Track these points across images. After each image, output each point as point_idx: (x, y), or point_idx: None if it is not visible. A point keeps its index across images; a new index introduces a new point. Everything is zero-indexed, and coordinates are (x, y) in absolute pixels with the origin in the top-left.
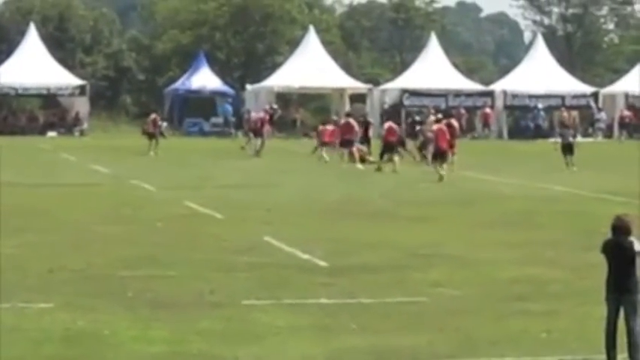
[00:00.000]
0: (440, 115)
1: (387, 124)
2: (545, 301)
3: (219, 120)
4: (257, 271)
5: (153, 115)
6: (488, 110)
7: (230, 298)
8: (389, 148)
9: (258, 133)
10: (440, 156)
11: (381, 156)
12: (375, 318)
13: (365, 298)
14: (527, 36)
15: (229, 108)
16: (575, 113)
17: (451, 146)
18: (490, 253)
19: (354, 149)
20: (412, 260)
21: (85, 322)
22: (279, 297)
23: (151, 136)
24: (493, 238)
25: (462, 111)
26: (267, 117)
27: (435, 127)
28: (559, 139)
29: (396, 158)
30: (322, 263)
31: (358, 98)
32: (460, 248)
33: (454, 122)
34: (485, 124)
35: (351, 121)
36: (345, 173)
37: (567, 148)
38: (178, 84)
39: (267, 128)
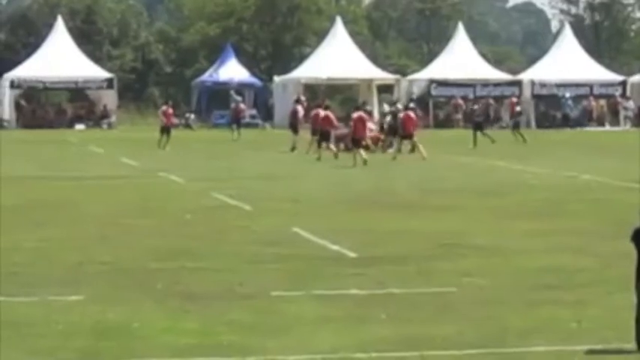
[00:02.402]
0: (397, 107)
1: (355, 114)
2: (575, 290)
3: (250, 112)
4: (286, 262)
5: (164, 107)
6: (514, 100)
7: (259, 289)
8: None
9: (295, 128)
10: (355, 142)
11: (319, 145)
12: (405, 308)
13: (394, 289)
14: (554, 25)
15: (239, 99)
16: (603, 102)
17: (409, 136)
18: (518, 242)
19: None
20: (440, 250)
21: (115, 314)
22: (308, 288)
23: (162, 130)
24: (521, 227)
25: (491, 101)
26: (302, 110)
27: (355, 115)
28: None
29: (362, 150)
30: (351, 254)
31: (386, 89)
32: (488, 238)
33: (411, 114)
34: (512, 113)
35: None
36: (372, 163)
37: None
38: (206, 76)
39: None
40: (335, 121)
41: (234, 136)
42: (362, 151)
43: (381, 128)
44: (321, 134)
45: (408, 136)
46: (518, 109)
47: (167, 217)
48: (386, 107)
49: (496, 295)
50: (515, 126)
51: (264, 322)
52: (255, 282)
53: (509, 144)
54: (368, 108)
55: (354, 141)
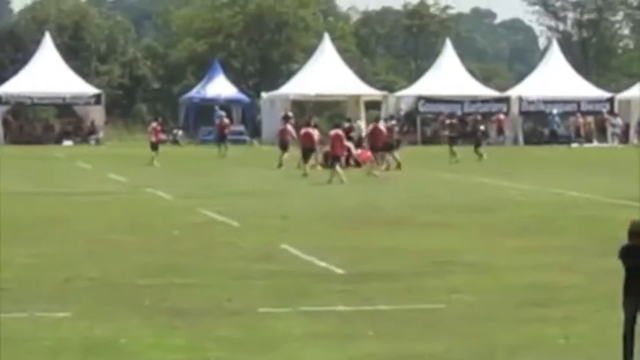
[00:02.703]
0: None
1: (332, 132)
2: (563, 307)
3: (238, 128)
4: (274, 278)
5: (154, 124)
6: (501, 116)
7: (247, 305)
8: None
9: (285, 146)
10: (333, 160)
11: (305, 161)
12: (393, 325)
13: (382, 305)
14: (542, 42)
15: (222, 114)
16: (590, 119)
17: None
18: (507, 259)
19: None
20: (429, 267)
21: (103, 330)
22: (296, 305)
23: (153, 146)
24: (509, 244)
25: (478, 117)
26: (290, 128)
27: (332, 132)
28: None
29: (338, 168)
30: (339, 271)
31: (374, 105)
32: (477, 255)
33: (382, 127)
34: (499, 130)
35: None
36: (360, 180)
37: None
38: (193, 92)
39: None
40: (315, 140)
41: (222, 153)
42: (339, 169)
43: (358, 144)
44: (305, 151)
45: (375, 150)
46: (482, 127)
47: (155, 233)
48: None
49: (484, 311)
50: (477, 144)
51: (251, 339)
52: (243, 298)
53: (495, 161)
54: (355, 124)
55: (333, 158)
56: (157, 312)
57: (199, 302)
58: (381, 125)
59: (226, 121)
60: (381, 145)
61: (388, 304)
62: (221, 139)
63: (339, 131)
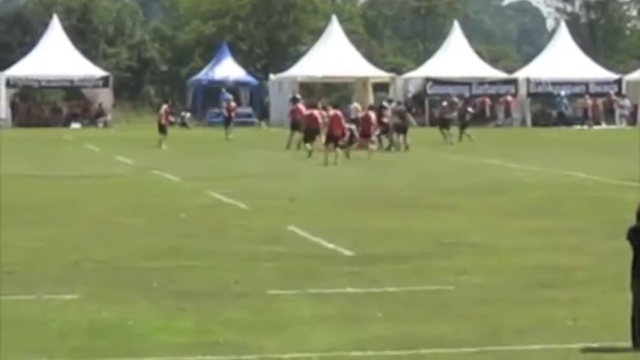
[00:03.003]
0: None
1: (331, 112)
2: (571, 289)
3: (246, 110)
4: (282, 261)
5: (165, 106)
6: (509, 98)
7: (255, 288)
8: (310, 134)
9: (296, 126)
10: (332, 140)
11: (306, 141)
12: (401, 306)
13: (390, 287)
14: (549, 23)
15: (229, 97)
16: (598, 100)
17: (367, 135)
18: (515, 240)
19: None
20: (437, 248)
21: (110, 313)
22: (304, 287)
23: (161, 128)
24: (517, 225)
25: (486, 99)
26: (302, 106)
27: (331, 112)
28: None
29: (339, 150)
30: (347, 252)
31: (381, 87)
32: (485, 236)
33: (372, 114)
34: (507, 111)
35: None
36: (368, 161)
37: None
38: (201, 75)
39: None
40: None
41: (229, 136)
42: (339, 150)
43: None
44: (308, 132)
45: (366, 136)
46: (470, 109)
47: (162, 216)
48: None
49: (492, 293)
50: (464, 126)
51: (259, 321)
52: (251, 280)
53: (503, 143)
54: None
55: (330, 139)
56: (165, 294)
57: (207, 285)
58: (372, 114)
59: (233, 104)
60: (368, 132)
61: (396, 285)
62: (227, 121)
63: (338, 112)
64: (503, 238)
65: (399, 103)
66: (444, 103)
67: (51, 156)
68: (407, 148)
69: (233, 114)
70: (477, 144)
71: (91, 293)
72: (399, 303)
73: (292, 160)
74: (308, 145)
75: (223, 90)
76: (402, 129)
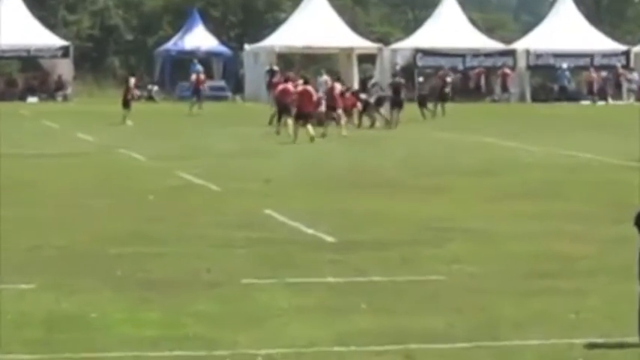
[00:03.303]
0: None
1: (281, 86)
2: (573, 279)
3: (219, 83)
4: (257, 247)
5: (132, 79)
6: (507, 70)
7: (228, 276)
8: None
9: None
10: (303, 117)
11: (279, 119)
12: (387, 298)
13: (375, 276)
14: None
15: (200, 68)
16: (604, 73)
17: (334, 108)
18: (512, 226)
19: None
20: (427, 235)
21: (70, 304)
22: (281, 275)
23: (127, 103)
24: (515, 210)
25: (482, 72)
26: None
27: (300, 88)
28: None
29: (309, 126)
30: (329, 238)
31: (367, 59)
32: (479, 221)
33: (337, 85)
34: (504, 85)
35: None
36: (352, 140)
37: None
38: (170, 44)
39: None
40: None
41: (195, 110)
42: (309, 127)
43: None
44: (281, 108)
45: (331, 109)
46: (448, 79)
47: (128, 198)
48: (326, 78)
49: (488, 283)
50: (442, 99)
51: (233, 313)
52: (224, 268)
53: (499, 119)
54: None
55: (299, 116)
56: (130, 284)
57: (176, 273)
58: (337, 86)
59: (202, 76)
60: (333, 104)
61: (382, 275)
62: (195, 95)
63: (308, 87)
64: (499, 224)
65: (394, 75)
66: (420, 79)
67: (6, 133)
68: (395, 124)
69: (203, 87)
70: (471, 122)
71: (50, 282)
72: (386, 294)
73: (268, 138)
74: (280, 125)
75: (195, 61)
76: (398, 104)
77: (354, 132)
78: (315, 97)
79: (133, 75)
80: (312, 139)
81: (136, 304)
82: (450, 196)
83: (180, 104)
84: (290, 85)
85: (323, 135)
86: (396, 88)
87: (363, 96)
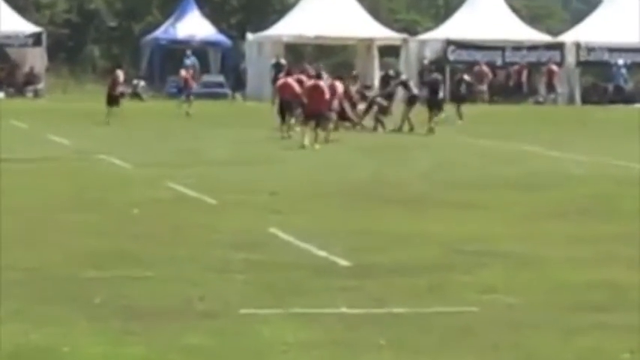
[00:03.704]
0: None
1: (281, 81)
2: (628, 312)
3: (216, 79)
4: (259, 271)
5: (121, 73)
6: (553, 67)
7: (224, 306)
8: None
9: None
10: (314, 118)
11: (282, 120)
12: (410, 332)
13: (397, 307)
14: None
15: (193, 62)
16: None
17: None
18: (557, 249)
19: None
20: (458, 259)
21: (40, 335)
22: (286, 305)
23: (114, 100)
24: (561, 230)
25: (524, 68)
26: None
27: (311, 83)
28: None
29: (320, 131)
30: (343, 262)
31: (390, 51)
32: (519, 244)
33: (338, 83)
34: (550, 84)
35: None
36: (371, 147)
37: None
38: (160, 32)
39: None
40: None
41: (185, 109)
42: (319, 131)
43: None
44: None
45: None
46: (466, 77)
47: (108, 212)
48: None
49: (527, 316)
50: (459, 101)
51: (230, 348)
52: (220, 296)
53: (544, 124)
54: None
55: (309, 116)
56: (110, 312)
57: (163, 301)
58: (338, 83)
59: (192, 71)
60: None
61: (405, 305)
62: (185, 94)
63: (320, 82)
64: (541, 247)
65: (430, 71)
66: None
67: None
68: (431, 130)
69: (194, 84)
70: (511, 126)
71: (17, 310)
72: (408, 328)
73: (273, 143)
74: (285, 128)
75: (188, 52)
76: (436, 104)
77: (372, 136)
78: (327, 95)
79: (120, 67)
80: (302, 146)
81: (116, 337)
82: (485, 213)
83: (171, 102)
84: (292, 80)
85: (326, 140)
86: (433, 86)
87: (371, 94)
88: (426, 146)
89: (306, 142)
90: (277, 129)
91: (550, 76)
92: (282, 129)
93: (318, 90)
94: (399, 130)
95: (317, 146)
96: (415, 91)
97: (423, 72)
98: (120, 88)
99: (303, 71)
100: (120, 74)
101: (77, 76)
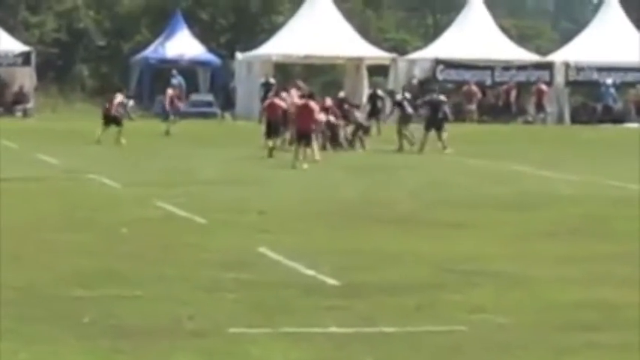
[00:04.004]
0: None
1: (269, 101)
2: (619, 332)
3: (205, 98)
4: (248, 291)
5: (120, 97)
6: (543, 87)
7: (214, 325)
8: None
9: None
10: (304, 138)
11: (268, 136)
12: (400, 351)
13: (386, 326)
14: None
15: (179, 81)
16: None
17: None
18: (547, 269)
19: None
20: (447, 278)
21: (29, 354)
22: (276, 324)
23: (112, 120)
24: (551, 250)
25: (512, 88)
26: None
27: (301, 102)
28: None
29: (308, 150)
30: (332, 281)
31: (379, 70)
32: (509, 263)
33: (313, 106)
34: (539, 104)
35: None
36: (360, 166)
37: None
38: (149, 51)
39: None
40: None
41: (166, 127)
42: (308, 150)
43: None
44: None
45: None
46: (442, 98)
47: (97, 232)
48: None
49: (517, 336)
50: (438, 126)
51: None
52: (209, 315)
53: (534, 143)
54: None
55: (300, 137)
56: (99, 332)
57: (152, 320)
58: (312, 104)
59: (178, 91)
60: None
61: (394, 324)
62: (173, 111)
63: (311, 102)
64: (532, 266)
65: (433, 91)
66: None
67: None
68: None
69: (181, 104)
70: (501, 146)
71: (5, 329)
72: (398, 347)
73: (263, 163)
74: (270, 143)
75: (174, 72)
76: (437, 124)
77: (361, 156)
78: (317, 115)
79: (120, 90)
80: (293, 166)
81: (105, 356)
82: (474, 233)
83: (160, 122)
84: (278, 100)
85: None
86: (435, 106)
87: (357, 115)
88: (416, 166)
89: (297, 163)
90: (263, 148)
91: (539, 96)
92: (266, 146)
93: (308, 109)
94: (400, 149)
95: (305, 166)
96: (409, 110)
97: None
98: (115, 109)
99: (295, 87)
100: (118, 96)
101: (66, 96)
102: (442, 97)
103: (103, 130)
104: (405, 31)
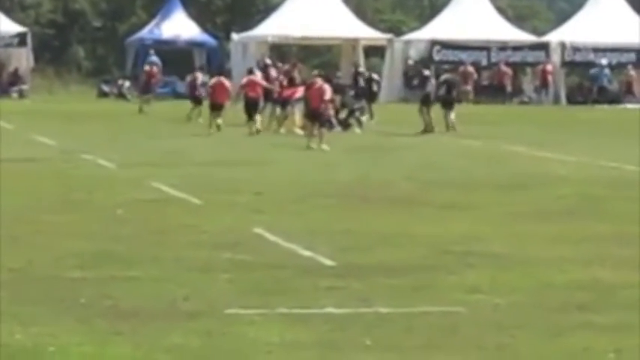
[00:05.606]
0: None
1: (245, 78)
2: (614, 312)
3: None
4: (244, 272)
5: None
6: (548, 67)
7: (209, 306)
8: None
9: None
10: (315, 117)
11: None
12: (396, 332)
13: (383, 307)
14: None
15: (157, 60)
16: None
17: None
18: (544, 250)
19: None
20: (444, 259)
21: (25, 335)
22: (272, 305)
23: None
24: (547, 231)
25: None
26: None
27: (318, 85)
28: None
29: (258, 117)
30: (328, 262)
31: (375, 51)
32: (505, 244)
33: (257, 78)
34: (544, 84)
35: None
36: (357, 147)
37: None
38: (145, 32)
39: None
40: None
41: (140, 107)
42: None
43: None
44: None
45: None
46: (450, 77)
47: (94, 213)
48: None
49: (514, 317)
50: (446, 105)
51: (215, 348)
52: (205, 296)
53: (529, 124)
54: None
55: (311, 117)
56: (96, 313)
57: (148, 301)
58: (325, 85)
59: (155, 69)
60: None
61: (391, 305)
62: (145, 90)
63: (324, 84)
64: (528, 247)
65: (447, 71)
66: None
67: None
68: (453, 128)
69: (154, 81)
70: (496, 127)
71: (2, 310)
72: (394, 328)
73: (260, 144)
74: (254, 125)
75: (151, 51)
76: (449, 104)
77: (358, 137)
78: (327, 96)
79: (201, 69)
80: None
81: (102, 337)
82: (471, 214)
83: (157, 104)
84: (256, 78)
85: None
86: (449, 86)
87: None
88: (412, 147)
89: (313, 144)
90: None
91: (544, 76)
92: (250, 125)
93: (320, 90)
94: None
95: (324, 146)
96: (429, 88)
97: (407, 73)
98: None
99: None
100: (199, 76)
101: (62, 77)
102: (456, 77)
103: (192, 109)
104: (402, 12)
